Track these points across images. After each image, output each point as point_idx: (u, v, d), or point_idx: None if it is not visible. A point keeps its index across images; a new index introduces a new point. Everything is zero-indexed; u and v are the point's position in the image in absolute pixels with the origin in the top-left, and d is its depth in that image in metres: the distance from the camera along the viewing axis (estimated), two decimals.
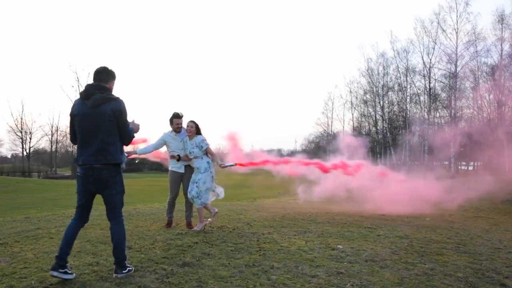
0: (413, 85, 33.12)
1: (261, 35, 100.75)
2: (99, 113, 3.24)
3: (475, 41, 27.39)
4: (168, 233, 5.37)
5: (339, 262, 4.00)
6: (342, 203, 9.63)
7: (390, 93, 35.59)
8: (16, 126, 45.71)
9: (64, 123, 47.29)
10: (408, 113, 33.59)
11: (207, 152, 5.65)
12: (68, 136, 3.54)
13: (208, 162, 5.65)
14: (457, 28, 27.90)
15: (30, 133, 46.54)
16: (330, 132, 42.20)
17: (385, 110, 35.33)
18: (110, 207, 3.41)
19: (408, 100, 33.90)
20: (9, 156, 61.04)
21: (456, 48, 27.74)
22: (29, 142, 46.81)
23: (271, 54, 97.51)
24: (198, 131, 5.66)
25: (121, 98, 3.37)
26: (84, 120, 3.27)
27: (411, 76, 33.07)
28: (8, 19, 75.80)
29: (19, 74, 77.95)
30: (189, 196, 5.67)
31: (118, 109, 3.28)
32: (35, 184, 25.39)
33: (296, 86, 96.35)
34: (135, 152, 5.67)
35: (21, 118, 45.56)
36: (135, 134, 3.58)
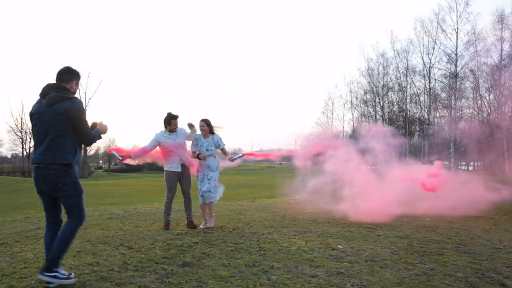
0: (413, 85, 33.12)
1: (261, 35, 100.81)
2: (51, 112, 3.15)
3: (475, 41, 27.38)
4: (168, 233, 5.37)
5: (339, 262, 4.00)
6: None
7: (390, 93, 35.59)
8: (16, 126, 45.84)
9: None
10: (408, 113, 33.58)
11: (222, 151, 5.96)
12: None
13: (218, 161, 5.92)
14: (457, 28, 27.90)
15: (30, 133, 46.54)
16: (330, 132, 42.16)
17: (385, 110, 35.33)
18: (66, 210, 3.31)
19: (408, 100, 33.89)
20: (9, 156, 61.12)
21: (456, 48, 27.74)
22: (29, 142, 46.80)
23: (271, 54, 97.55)
24: (211, 130, 5.86)
25: (78, 97, 3.29)
26: (38, 119, 3.21)
27: (411, 76, 33.05)
28: (8, 19, 75.82)
29: (19, 74, 78.05)
30: (200, 192, 5.80)
31: (71, 108, 3.16)
32: None
33: (296, 86, 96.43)
34: (129, 156, 5.66)
35: (21, 118, 45.66)
36: (102, 135, 3.51)
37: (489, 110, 27.18)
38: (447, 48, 28.46)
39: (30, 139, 46.58)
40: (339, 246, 4.71)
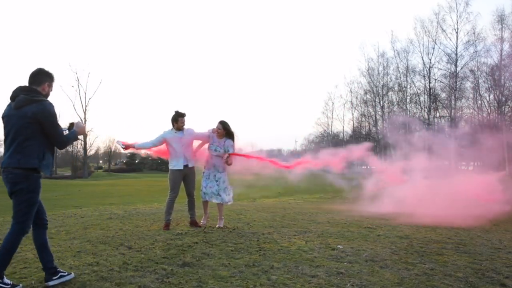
0: (413, 85, 33.16)
1: (262, 35, 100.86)
2: (19, 115, 3.06)
3: (475, 41, 27.43)
4: (168, 233, 5.37)
5: (339, 262, 3.99)
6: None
7: (390, 93, 35.64)
8: None
9: (64, 123, 47.18)
10: (408, 113, 33.62)
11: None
12: None
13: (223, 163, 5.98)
14: (457, 28, 27.97)
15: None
16: (330, 132, 42.23)
17: (385, 110, 35.37)
18: (12, 214, 3.12)
19: (408, 100, 33.94)
20: None
21: (456, 48, 27.80)
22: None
23: (271, 54, 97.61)
24: (228, 133, 5.94)
25: (49, 100, 3.19)
26: (7, 122, 3.14)
27: (411, 76, 33.12)
28: (9, 19, 75.83)
29: (19, 74, 78.01)
30: (203, 189, 5.90)
31: (40, 111, 3.06)
32: None
33: (296, 86, 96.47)
34: (133, 146, 5.68)
35: None
36: (79, 136, 3.44)
37: (489, 110, 27.21)
38: (447, 48, 28.55)
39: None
40: (339, 246, 4.71)
